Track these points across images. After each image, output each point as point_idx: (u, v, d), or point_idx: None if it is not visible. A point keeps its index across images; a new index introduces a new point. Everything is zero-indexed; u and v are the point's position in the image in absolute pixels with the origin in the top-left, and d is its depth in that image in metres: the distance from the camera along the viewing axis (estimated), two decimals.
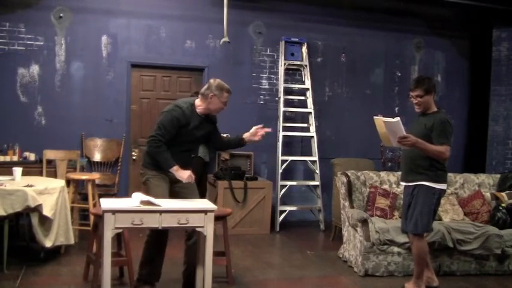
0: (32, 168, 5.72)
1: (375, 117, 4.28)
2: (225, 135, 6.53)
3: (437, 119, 4.23)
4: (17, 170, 4.81)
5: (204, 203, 4.02)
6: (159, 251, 4.09)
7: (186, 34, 6.94)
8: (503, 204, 5.38)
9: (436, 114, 4.30)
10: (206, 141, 4.45)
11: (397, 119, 4.06)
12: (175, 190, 4.15)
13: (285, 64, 7.16)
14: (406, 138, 4.05)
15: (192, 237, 4.07)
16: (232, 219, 6.11)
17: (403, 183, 4.45)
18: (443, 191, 4.34)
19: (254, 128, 4.20)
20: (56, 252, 4.94)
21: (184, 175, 3.94)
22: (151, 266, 4.08)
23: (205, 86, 4.09)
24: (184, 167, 4.01)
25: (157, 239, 4.03)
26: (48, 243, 4.58)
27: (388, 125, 4.14)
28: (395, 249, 4.91)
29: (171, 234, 4.18)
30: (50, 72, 6.49)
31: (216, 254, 4.27)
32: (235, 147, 4.54)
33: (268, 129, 4.22)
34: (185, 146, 4.07)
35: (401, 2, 7.62)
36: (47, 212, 4.48)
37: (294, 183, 7.10)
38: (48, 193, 4.54)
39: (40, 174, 5.78)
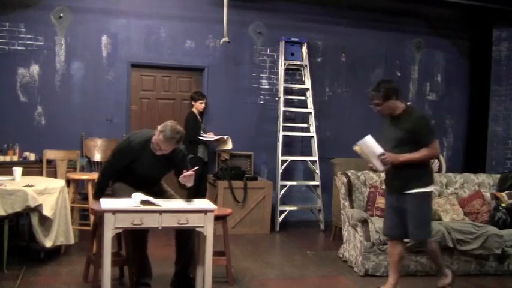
0: (32, 168, 5.72)
1: (354, 148, 4.00)
2: (225, 137, 6.56)
3: (413, 119, 3.97)
4: (17, 170, 4.81)
5: (204, 203, 4.02)
6: (141, 250, 4.09)
7: (186, 34, 6.93)
8: (503, 204, 5.37)
9: (409, 113, 4.01)
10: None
11: (368, 136, 3.84)
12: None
13: (285, 64, 7.15)
14: (384, 155, 3.87)
15: (181, 235, 4.08)
16: (232, 219, 6.11)
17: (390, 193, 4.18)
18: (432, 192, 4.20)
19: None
20: (56, 252, 4.94)
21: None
22: (139, 265, 4.09)
23: None
24: (149, 191, 3.93)
25: (136, 237, 4.03)
26: (48, 243, 4.57)
27: (363, 148, 3.90)
28: None
29: (169, 235, 4.18)
30: (50, 72, 6.49)
31: (216, 254, 4.27)
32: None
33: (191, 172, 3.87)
34: (142, 176, 4.01)
35: (401, 2, 7.62)
36: (47, 212, 4.48)
37: (294, 183, 7.09)
38: (48, 193, 4.54)
39: (40, 174, 5.79)
